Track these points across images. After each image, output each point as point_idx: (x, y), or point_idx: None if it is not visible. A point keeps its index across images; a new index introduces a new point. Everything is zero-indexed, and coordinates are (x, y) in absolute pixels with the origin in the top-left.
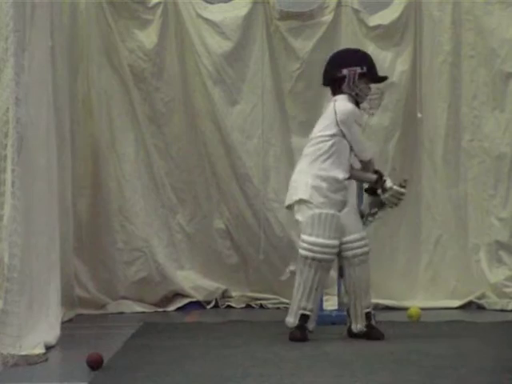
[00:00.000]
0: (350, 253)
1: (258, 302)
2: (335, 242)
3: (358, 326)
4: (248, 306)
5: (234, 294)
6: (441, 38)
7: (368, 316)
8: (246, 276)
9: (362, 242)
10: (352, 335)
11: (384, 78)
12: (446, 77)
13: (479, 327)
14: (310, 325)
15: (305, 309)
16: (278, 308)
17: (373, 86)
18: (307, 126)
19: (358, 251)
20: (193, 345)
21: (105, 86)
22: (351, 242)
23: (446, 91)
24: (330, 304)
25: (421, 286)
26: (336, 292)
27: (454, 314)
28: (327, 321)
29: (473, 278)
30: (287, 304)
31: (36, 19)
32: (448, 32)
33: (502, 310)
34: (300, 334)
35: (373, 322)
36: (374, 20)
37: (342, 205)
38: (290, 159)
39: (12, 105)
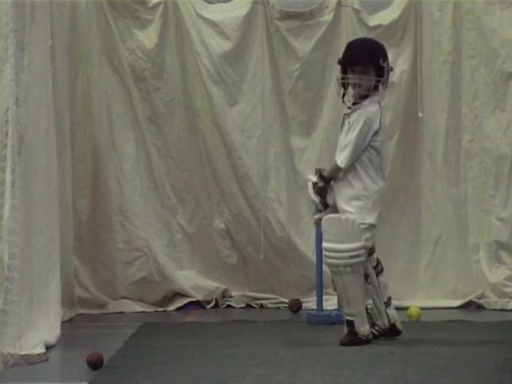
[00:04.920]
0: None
1: (258, 301)
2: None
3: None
4: (248, 306)
5: (233, 293)
6: (441, 38)
7: (348, 323)
8: (245, 276)
9: (337, 254)
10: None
11: None
12: (446, 77)
13: (479, 327)
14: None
15: None
16: (278, 308)
17: None
18: (307, 126)
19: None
20: (193, 345)
21: (105, 86)
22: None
23: (446, 91)
24: (330, 304)
25: (421, 286)
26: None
27: (454, 314)
28: (327, 321)
29: (472, 278)
30: (287, 304)
31: (36, 19)
32: (448, 32)
33: (502, 310)
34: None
35: (357, 329)
36: (374, 20)
37: None
38: (290, 159)
39: (12, 105)
